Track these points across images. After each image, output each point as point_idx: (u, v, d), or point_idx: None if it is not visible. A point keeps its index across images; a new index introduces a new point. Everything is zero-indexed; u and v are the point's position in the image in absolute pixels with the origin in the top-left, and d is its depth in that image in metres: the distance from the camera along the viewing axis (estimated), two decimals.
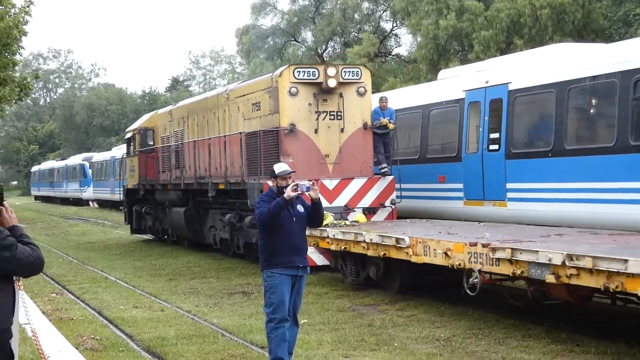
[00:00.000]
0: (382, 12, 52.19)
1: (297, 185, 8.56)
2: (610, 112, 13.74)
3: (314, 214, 8.91)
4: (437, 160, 18.42)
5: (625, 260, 8.28)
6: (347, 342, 10.48)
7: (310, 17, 54.18)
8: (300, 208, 8.82)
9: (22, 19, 23.28)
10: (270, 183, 9.30)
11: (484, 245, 10.54)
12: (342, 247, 14.08)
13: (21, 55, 28.09)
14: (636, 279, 8.20)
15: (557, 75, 14.99)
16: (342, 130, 17.74)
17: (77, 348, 10.01)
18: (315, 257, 16.15)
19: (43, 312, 12.59)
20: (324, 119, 17.63)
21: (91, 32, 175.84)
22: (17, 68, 25.64)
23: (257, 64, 52.63)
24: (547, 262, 9.30)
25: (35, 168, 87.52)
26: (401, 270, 13.77)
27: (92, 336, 11.14)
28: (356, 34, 51.58)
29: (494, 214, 16.08)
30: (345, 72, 17.70)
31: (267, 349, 8.94)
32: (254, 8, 55.46)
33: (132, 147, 28.12)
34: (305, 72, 17.55)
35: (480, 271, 10.61)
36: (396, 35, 53.43)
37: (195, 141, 22.13)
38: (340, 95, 17.66)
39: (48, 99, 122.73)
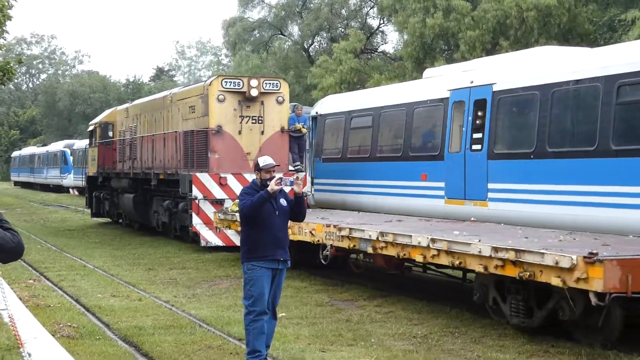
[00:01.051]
0: (369, 8, 52.22)
1: (280, 179, 8.57)
2: (593, 116, 13.81)
3: (297, 208, 8.93)
4: (419, 159, 18.45)
5: (410, 236, 11.47)
6: (324, 336, 10.51)
7: (298, 11, 54.11)
8: (283, 202, 8.84)
9: (6, 3, 23.12)
10: (254, 176, 9.24)
11: (334, 226, 13.41)
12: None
13: (5, 40, 27.91)
14: (416, 249, 11.37)
15: (541, 78, 15.05)
16: (262, 132, 21.11)
17: (53, 335, 9.99)
18: (216, 239, 19.97)
19: (20, 299, 12.54)
20: (247, 123, 20.99)
21: (75, 18, 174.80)
22: (0, 52, 25.43)
23: (242, 56, 52.50)
24: (369, 237, 12.43)
25: (15, 153, 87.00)
26: (301, 249, 15.58)
27: (69, 324, 11.12)
28: (343, 30, 51.58)
29: (475, 213, 16.13)
30: (266, 83, 21.13)
31: (245, 341, 8.95)
32: (241, 0, 55.32)
33: (93, 138, 31.42)
34: (231, 82, 20.96)
35: (331, 245, 13.61)
36: (383, 32, 53.49)
37: (142, 137, 25.28)
38: (262, 103, 21.04)
39: (31, 85, 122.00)
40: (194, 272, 17.08)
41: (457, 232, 11.90)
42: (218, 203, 20.00)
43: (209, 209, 20.04)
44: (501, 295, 10.88)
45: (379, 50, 53.52)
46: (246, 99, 20.90)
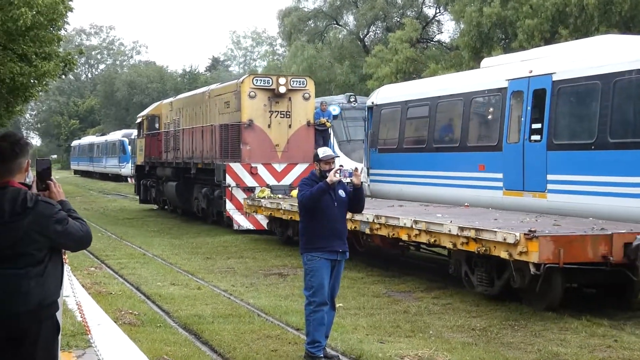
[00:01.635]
0: None
1: (339, 170, 8.59)
2: None
3: (356, 200, 8.93)
4: (477, 149, 18.31)
5: (398, 218, 13.48)
6: (382, 327, 10.53)
7: (353, 1, 53.99)
8: (341, 193, 8.84)
9: None
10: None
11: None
12: (270, 214, 19.01)
13: (65, 31, 28.38)
14: (403, 229, 13.34)
15: (602, 67, 14.80)
16: (289, 126, 22.77)
17: (116, 322, 10.16)
18: (247, 222, 22.08)
19: (83, 286, 12.77)
20: (275, 117, 22.66)
21: (133, 9, 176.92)
22: (61, 43, 25.88)
23: (298, 46, 52.58)
24: (367, 220, 14.41)
25: (75, 143, 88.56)
26: None
27: (130, 311, 11.29)
28: (398, 19, 51.34)
29: (534, 205, 15.97)
30: (293, 81, 22.84)
31: (304, 331, 9.01)
32: None
33: (141, 130, 33.84)
34: (262, 80, 22.75)
35: None
36: (439, 21, 53.12)
37: (184, 129, 27.45)
38: (289, 99, 22.67)
39: (90, 75, 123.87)
40: (251, 262, 17.22)
41: (439, 215, 13.70)
42: (249, 190, 21.83)
43: (241, 196, 21.82)
44: (470, 268, 12.64)
45: (435, 39, 53.18)
46: (275, 96, 22.59)
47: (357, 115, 25.94)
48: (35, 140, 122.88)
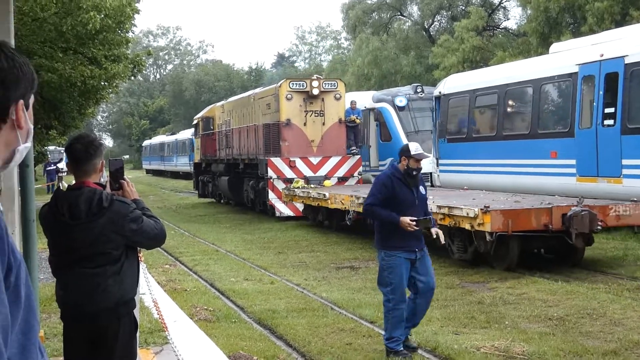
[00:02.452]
0: None
1: (419, 221, 8.30)
2: None
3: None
4: (548, 136, 18.03)
5: None
6: (456, 319, 10.43)
7: None
8: (422, 190, 8.61)
9: None
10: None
11: (355, 197, 17.66)
12: (302, 201, 22.15)
13: (133, 33, 28.79)
14: None
15: None
16: (323, 123, 25.21)
17: (191, 318, 10.29)
18: (287, 209, 24.74)
19: (158, 283, 12.97)
20: (310, 116, 25.16)
21: (199, 8, 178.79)
22: (129, 45, 26.28)
23: (362, 39, 52.43)
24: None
25: (146, 142, 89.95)
26: (336, 214, 20.63)
27: (205, 307, 11.41)
28: (463, 8, 50.78)
29: (609, 190, 15.66)
30: (325, 83, 25.35)
31: (383, 326, 8.94)
32: None
33: (197, 131, 37.32)
34: (297, 83, 25.45)
35: (354, 211, 18.06)
36: (505, 8, 52.33)
37: (233, 129, 30.59)
38: (322, 99, 25.14)
39: (158, 75, 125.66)
40: (322, 255, 17.26)
41: (430, 197, 15.10)
42: (288, 181, 24.31)
43: (281, 186, 24.30)
44: (451, 239, 14.76)
45: (502, 26, 52.43)
46: (309, 97, 25.03)
47: (424, 106, 25.83)
48: (107, 141, 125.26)
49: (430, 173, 22.01)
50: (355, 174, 25.03)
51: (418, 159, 8.37)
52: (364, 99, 28.44)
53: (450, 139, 21.43)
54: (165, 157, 73.89)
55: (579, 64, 17.06)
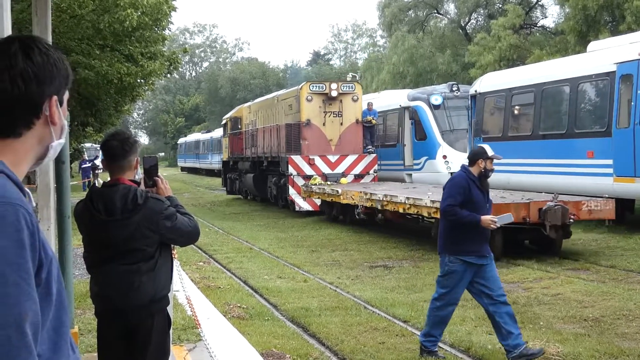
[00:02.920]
0: None
1: (497, 219, 8.21)
2: None
3: None
4: (585, 135, 17.85)
5: (397, 196, 17.72)
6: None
7: None
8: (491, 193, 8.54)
9: None
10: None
11: (364, 193, 19.64)
12: (319, 197, 23.90)
13: (170, 31, 28.99)
14: (399, 204, 17.48)
15: None
16: (341, 124, 26.50)
17: (224, 316, 10.33)
18: (305, 204, 25.88)
19: (192, 280, 13.04)
20: (329, 116, 26.49)
21: (235, 6, 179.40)
22: (165, 42, 26.44)
23: (398, 37, 52.23)
24: (379, 199, 18.52)
25: (181, 140, 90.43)
26: (348, 209, 21.84)
27: (239, 305, 11.45)
28: (500, 6, 50.40)
29: None
30: (343, 86, 26.60)
31: (424, 322, 8.83)
32: None
33: (226, 130, 39.42)
34: (317, 86, 26.76)
35: (362, 206, 19.84)
36: (542, 6, 51.93)
37: (258, 128, 32.05)
38: (341, 101, 26.43)
39: (194, 73, 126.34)
40: (355, 254, 17.25)
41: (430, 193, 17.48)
42: (308, 178, 25.58)
43: (301, 183, 25.60)
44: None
45: (539, 25, 51.97)
46: (328, 99, 26.38)
47: (460, 105, 25.72)
48: (143, 139, 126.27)
49: None
50: (371, 171, 26.21)
51: (495, 159, 8.36)
52: (399, 97, 28.40)
53: (486, 138, 21.29)
54: (200, 155, 74.23)
55: (617, 63, 16.86)
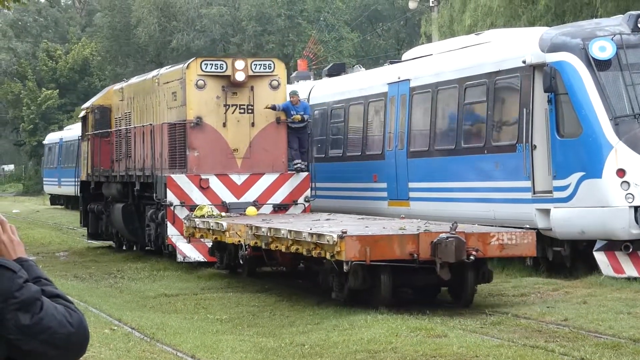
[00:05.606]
0: None
1: None
2: None
3: None
4: None
5: (280, 229, 14.26)
6: None
7: None
8: None
9: None
10: None
11: (255, 228, 15.13)
12: (202, 235, 17.32)
13: None
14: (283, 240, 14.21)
15: None
16: (252, 124, 19.03)
17: None
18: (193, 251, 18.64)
19: None
20: (233, 113, 18.97)
21: None
22: None
23: None
24: (264, 233, 14.74)
25: (52, 137, 74.59)
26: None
27: None
28: None
29: None
30: (255, 65, 19.06)
31: None
32: None
33: (85, 130, 25.79)
34: (212, 64, 18.99)
35: (248, 245, 15.38)
36: None
37: (132, 128, 22.29)
38: (251, 88, 19.03)
39: None
40: None
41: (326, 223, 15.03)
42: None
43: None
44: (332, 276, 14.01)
45: None
46: (231, 85, 19.09)
47: None
48: None
49: None
50: (301, 199, 19.05)
51: None
52: (522, 46, 15.88)
53: None
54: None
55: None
